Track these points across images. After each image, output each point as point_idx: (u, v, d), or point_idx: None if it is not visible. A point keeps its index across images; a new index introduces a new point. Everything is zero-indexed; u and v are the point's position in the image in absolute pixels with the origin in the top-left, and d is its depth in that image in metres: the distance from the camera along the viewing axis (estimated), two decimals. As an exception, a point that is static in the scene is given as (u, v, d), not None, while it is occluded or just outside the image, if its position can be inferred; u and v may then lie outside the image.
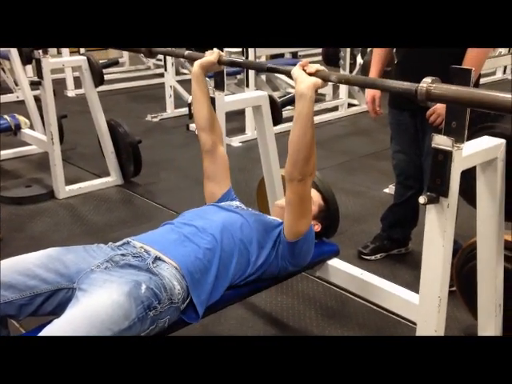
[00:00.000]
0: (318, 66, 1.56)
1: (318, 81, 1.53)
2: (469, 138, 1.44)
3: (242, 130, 4.81)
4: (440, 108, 2.19)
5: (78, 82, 6.14)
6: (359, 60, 5.78)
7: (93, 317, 1.27)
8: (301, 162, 1.58)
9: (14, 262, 1.48)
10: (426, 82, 1.30)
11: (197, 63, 1.89)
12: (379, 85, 1.53)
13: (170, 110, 5.47)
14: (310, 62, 1.59)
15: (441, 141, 1.38)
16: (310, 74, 1.54)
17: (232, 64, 1.95)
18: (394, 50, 2.63)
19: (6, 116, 3.73)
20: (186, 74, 6.69)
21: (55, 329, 1.25)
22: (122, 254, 1.53)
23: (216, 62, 1.88)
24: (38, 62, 3.23)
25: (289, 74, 1.61)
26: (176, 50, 2.20)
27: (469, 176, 1.61)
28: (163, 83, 5.60)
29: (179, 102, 5.47)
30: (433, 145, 1.40)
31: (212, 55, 1.87)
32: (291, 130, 1.59)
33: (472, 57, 2.14)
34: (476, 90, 1.26)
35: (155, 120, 5.36)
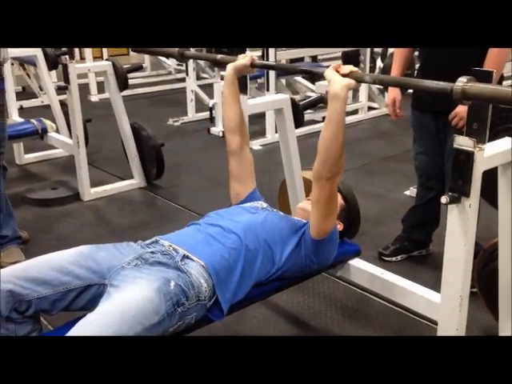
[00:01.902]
0: (351, 67, 1.59)
1: (351, 81, 1.57)
2: (490, 140, 1.46)
3: (262, 134, 4.85)
4: (462, 111, 2.20)
5: (101, 87, 6.28)
6: (379, 63, 5.80)
7: (125, 311, 1.32)
8: (331, 161, 1.61)
9: (48, 259, 1.53)
10: (462, 81, 1.33)
11: (230, 66, 1.94)
12: (414, 85, 1.55)
13: (191, 114, 5.54)
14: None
15: (463, 142, 1.41)
16: (344, 76, 1.57)
17: (265, 67, 1.99)
18: (416, 53, 2.65)
19: (32, 120, 3.81)
20: (206, 78, 6.77)
21: (89, 322, 1.31)
22: (152, 252, 1.58)
23: (249, 65, 1.92)
24: (65, 67, 3.31)
25: (322, 76, 1.64)
26: (207, 53, 2.24)
27: (490, 176, 1.63)
28: (184, 88, 5.68)
29: (200, 106, 5.53)
30: (455, 145, 1.42)
31: (245, 58, 1.92)
32: (322, 129, 1.63)
33: (493, 57, 2.15)
34: (508, 89, 1.28)
35: (177, 124, 5.43)
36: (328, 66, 1.63)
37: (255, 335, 2.19)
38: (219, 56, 2.09)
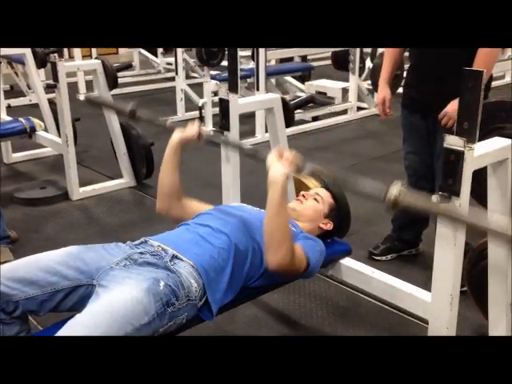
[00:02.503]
0: (294, 155, 1.59)
1: (289, 170, 1.58)
2: (480, 139, 1.47)
3: (251, 133, 4.84)
4: (451, 110, 2.21)
5: (89, 86, 6.23)
6: (368, 63, 5.81)
7: (114, 311, 1.31)
8: (274, 246, 1.58)
9: (36, 259, 1.52)
10: (394, 192, 1.35)
11: (176, 135, 1.87)
12: (351, 186, 1.56)
13: (181, 114, 5.52)
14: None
15: (453, 141, 1.41)
16: (286, 162, 1.57)
17: (210, 143, 1.94)
18: (407, 53, 2.66)
19: (20, 119, 3.78)
20: (196, 77, 6.75)
21: (78, 323, 1.29)
22: (141, 253, 1.56)
23: (196, 137, 1.85)
24: (54, 65, 3.28)
25: (264, 160, 1.62)
26: (157, 118, 2.14)
27: (479, 176, 1.64)
28: (174, 87, 5.66)
29: (190, 105, 5.52)
30: (445, 145, 1.43)
31: (192, 129, 1.84)
32: (265, 214, 1.62)
33: (482, 56, 2.16)
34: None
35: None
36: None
37: (246, 335, 2.18)
38: (168, 122, 1.97)
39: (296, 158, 1.59)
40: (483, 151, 1.50)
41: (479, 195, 1.88)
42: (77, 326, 1.29)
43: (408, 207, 1.35)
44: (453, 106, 2.26)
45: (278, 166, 1.58)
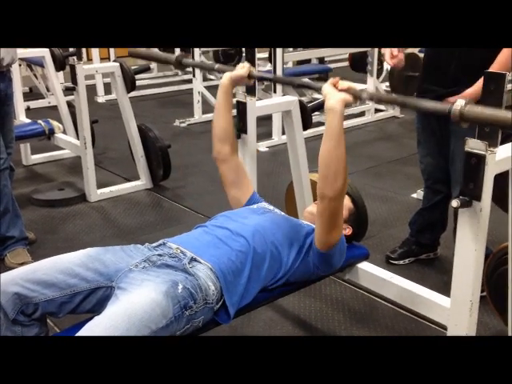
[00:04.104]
0: (349, 84, 1.58)
1: (348, 97, 1.56)
2: (501, 143, 1.45)
3: (268, 135, 4.84)
4: (452, 101, 2.20)
5: (107, 88, 6.29)
6: (386, 65, 5.77)
7: (132, 314, 1.31)
8: (331, 178, 1.57)
9: (55, 261, 1.53)
10: (460, 104, 1.32)
11: (226, 75, 1.92)
12: (411, 104, 1.53)
13: (198, 116, 5.54)
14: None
15: (474, 145, 1.39)
16: (341, 91, 1.56)
17: (262, 79, 1.97)
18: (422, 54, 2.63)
19: (39, 121, 3.82)
20: (213, 79, 6.76)
21: (96, 325, 1.30)
22: (159, 255, 1.57)
23: (246, 76, 1.90)
24: (73, 68, 3.31)
25: (319, 90, 1.63)
26: (206, 62, 2.23)
27: (500, 179, 1.61)
28: (191, 89, 5.67)
29: (207, 107, 5.53)
30: (466, 148, 1.41)
31: (243, 69, 1.90)
32: (321, 144, 1.60)
33: (503, 57, 2.12)
34: (508, 113, 1.27)
35: (183, 125, 5.43)
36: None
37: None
38: (217, 65, 2.06)
39: (352, 85, 1.57)
40: (505, 155, 1.48)
41: (500, 199, 1.85)
42: (96, 328, 1.29)
43: (475, 120, 1.31)
44: (455, 98, 2.24)
45: (336, 94, 1.56)
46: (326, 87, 1.59)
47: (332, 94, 1.56)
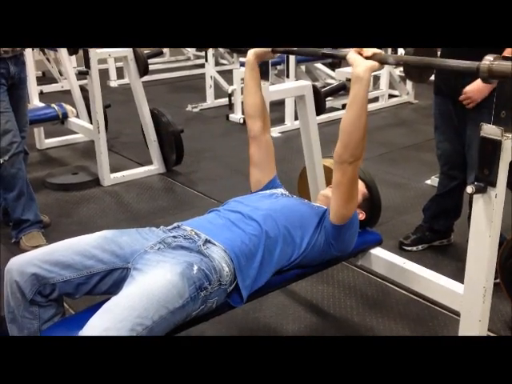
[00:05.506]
0: (374, 50, 1.57)
1: (375, 64, 1.56)
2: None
3: (281, 121, 4.83)
4: (470, 91, 2.25)
5: (120, 73, 6.29)
6: (400, 50, 5.71)
7: (150, 294, 1.33)
8: (352, 145, 1.60)
9: (72, 243, 1.54)
10: (488, 60, 1.30)
11: (251, 51, 1.94)
12: (438, 64, 1.52)
13: (210, 101, 5.53)
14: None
15: (490, 130, 1.38)
16: (367, 58, 1.56)
17: (286, 52, 1.96)
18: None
19: (53, 105, 3.83)
20: (225, 64, 6.75)
21: (115, 305, 1.32)
22: (174, 236, 1.58)
23: (270, 51, 1.92)
24: (86, 52, 3.31)
25: (344, 59, 1.63)
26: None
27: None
28: (203, 74, 5.67)
29: (219, 92, 5.52)
30: (482, 134, 1.40)
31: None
32: (345, 112, 1.62)
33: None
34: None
35: (195, 110, 5.43)
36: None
37: (274, 323, 2.19)
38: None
39: (377, 51, 1.57)
40: (521, 141, 1.46)
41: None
42: (114, 308, 1.31)
43: (503, 74, 1.29)
44: (473, 87, 2.24)
45: (363, 62, 1.56)
46: (352, 55, 1.59)
47: (359, 62, 1.56)
